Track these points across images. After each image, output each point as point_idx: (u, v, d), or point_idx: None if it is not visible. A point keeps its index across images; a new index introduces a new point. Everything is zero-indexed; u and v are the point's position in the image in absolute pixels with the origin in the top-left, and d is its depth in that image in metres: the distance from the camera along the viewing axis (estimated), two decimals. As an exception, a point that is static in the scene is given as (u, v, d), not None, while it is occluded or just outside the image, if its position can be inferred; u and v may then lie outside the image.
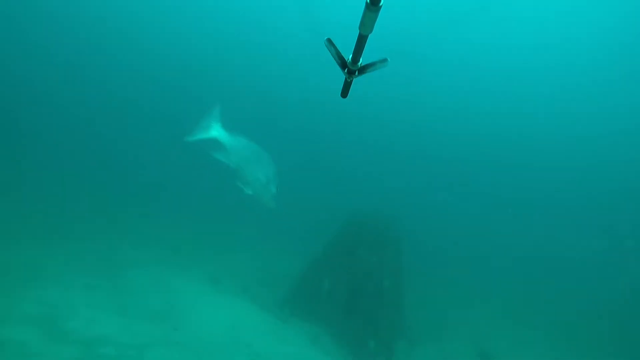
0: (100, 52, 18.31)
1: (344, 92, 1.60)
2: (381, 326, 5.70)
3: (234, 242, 9.91)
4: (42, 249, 6.83)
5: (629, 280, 9.45)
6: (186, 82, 17.96)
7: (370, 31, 1.20)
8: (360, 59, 1.38)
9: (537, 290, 10.17)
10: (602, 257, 11.03)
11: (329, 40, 1.39)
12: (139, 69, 18.22)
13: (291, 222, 9.99)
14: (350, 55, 1.38)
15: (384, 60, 1.40)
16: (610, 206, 14.11)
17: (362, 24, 1.17)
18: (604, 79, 16.69)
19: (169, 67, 18.35)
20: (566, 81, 17.38)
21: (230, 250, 9.35)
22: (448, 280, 7.79)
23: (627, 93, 16.58)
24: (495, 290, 9.51)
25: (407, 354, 5.96)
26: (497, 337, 7.33)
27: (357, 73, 1.43)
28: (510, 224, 13.63)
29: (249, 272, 8.38)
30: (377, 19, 1.14)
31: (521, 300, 9.44)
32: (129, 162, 13.23)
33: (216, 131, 6.03)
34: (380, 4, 1.06)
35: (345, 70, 1.44)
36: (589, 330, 8.28)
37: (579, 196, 16.00)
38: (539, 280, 10.77)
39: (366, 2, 1.07)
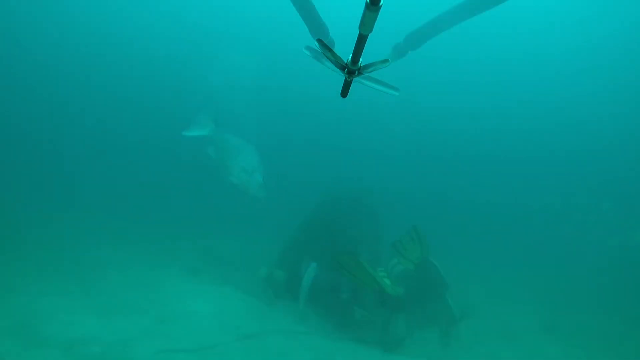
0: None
1: (344, 92, 1.60)
2: (366, 297, 5.70)
3: (209, 230, 9.81)
4: (7, 257, 6.61)
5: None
6: (164, 74, 17.63)
7: (370, 31, 1.20)
8: (360, 59, 1.38)
9: (517, 249, 10.55)
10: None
11: (320, 41, 1.38)
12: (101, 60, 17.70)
13: (266, 205, 10.04)
14: (350, 55, 1.38)
15: (385, 61, 1.40)
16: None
17: (362, 24, 1.17)
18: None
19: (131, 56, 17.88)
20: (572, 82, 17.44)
21: (205, 239, 9.27)
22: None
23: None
24: (477, 252, 9.78)
25: (393, 321, 6.05)
26: (479, 298, 7.58)
27: (357, 73, 1.43)
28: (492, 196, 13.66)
29: (228, 259, 8.37)
30: (377, 19, 1.14)
31: (504, 259, 9.79)
32: (95, 157, 12.93)
33: (201, 125, 6.04)
34: (380, 3, 1.06)
35: (345, 71, 1.43)
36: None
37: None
38: (520, 240, 11.10)
39: (366, 1, 1.07)
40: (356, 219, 7.42)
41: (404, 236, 5.53)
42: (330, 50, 1.37)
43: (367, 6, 1.09)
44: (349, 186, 8.69)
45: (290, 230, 7.57)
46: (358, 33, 1.23)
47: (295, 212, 8.06)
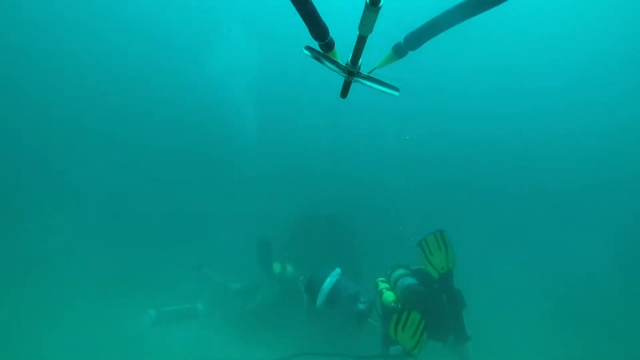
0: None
1: (344, 93, 1.61)
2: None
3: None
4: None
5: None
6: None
7: (370, 32, 1.20)
8: (360, 60, 1.39)
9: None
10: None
11: (309, 48, 1.39)
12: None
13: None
14: (350, 56, 1.39)
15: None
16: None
17: (362, 25, 1.17)
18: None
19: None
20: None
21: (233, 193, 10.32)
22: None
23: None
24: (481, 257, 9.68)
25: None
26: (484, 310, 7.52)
27: (356, 73, 1.44)
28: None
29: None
30: (377, 20, 1.14)
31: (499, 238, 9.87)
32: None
33: None
34: (380, 4, 1.06)
35: (345, 71, 1.44)
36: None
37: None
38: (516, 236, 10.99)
39: (366, 2, 1.07)
40: (371, 219, 7.49)
41: (429, 237, 4.97)
42: (322, 53, 1.38)
43: (366, 7, 1.09)
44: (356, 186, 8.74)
45: (294, 225, 7.64)
46: (357, 34, 1.23)
47: (296, 210, 8.11)
